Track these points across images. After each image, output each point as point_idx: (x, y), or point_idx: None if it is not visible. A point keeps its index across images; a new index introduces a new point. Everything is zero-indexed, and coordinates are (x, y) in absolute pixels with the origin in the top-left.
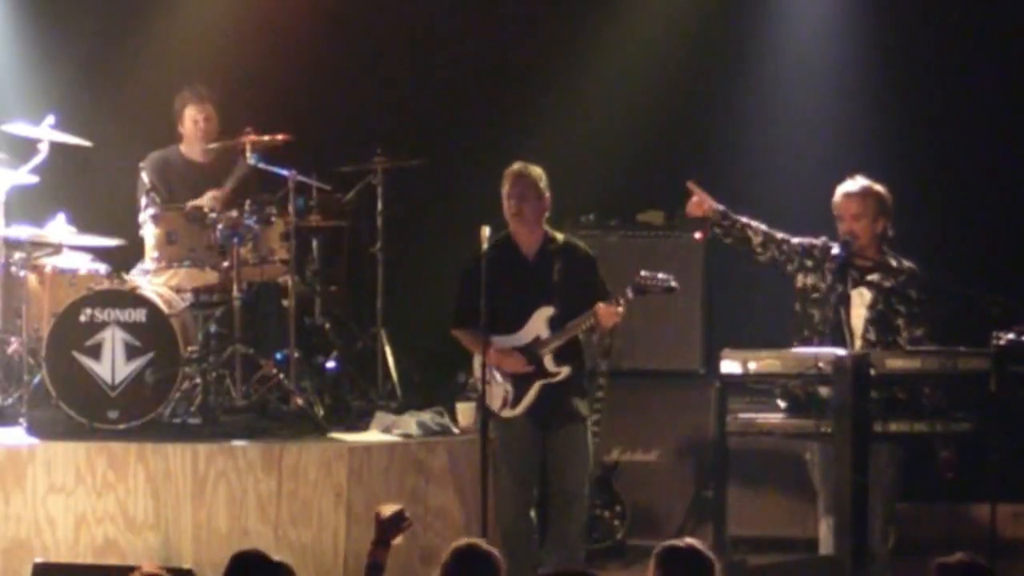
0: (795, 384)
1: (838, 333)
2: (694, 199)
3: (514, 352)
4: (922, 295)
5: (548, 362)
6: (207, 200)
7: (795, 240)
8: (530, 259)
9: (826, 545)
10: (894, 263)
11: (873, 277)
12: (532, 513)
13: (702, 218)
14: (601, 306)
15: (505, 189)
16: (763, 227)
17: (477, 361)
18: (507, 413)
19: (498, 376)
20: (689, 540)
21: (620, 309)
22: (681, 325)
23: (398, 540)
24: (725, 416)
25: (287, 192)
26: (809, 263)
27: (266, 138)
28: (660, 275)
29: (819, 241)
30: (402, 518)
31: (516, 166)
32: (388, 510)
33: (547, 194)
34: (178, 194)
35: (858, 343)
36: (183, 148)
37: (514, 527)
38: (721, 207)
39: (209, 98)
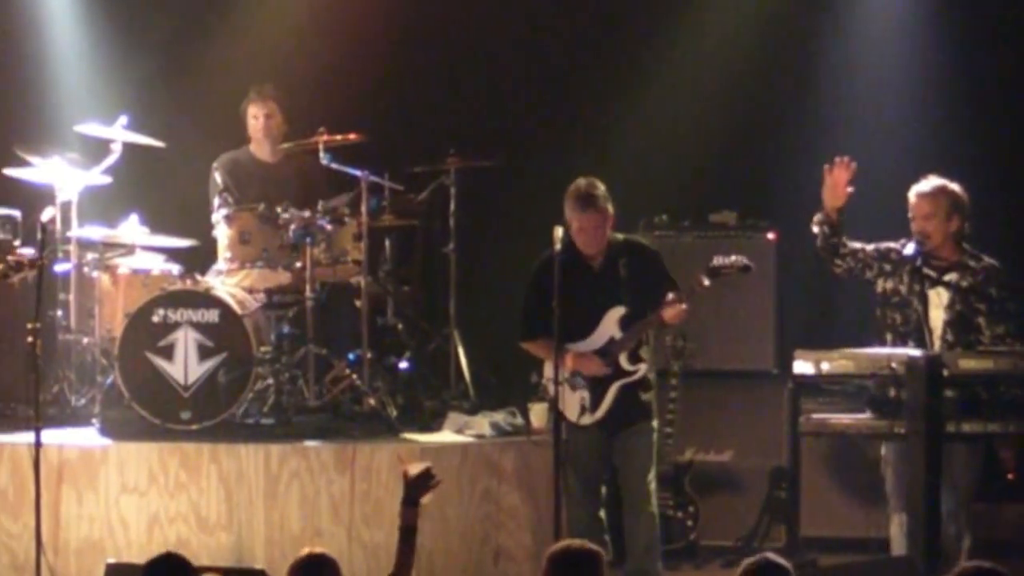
0: (877, 387)
1: (919, 335)
2: (838, 177)
3: (590, 354)
4: (1003, 292)
5: (624, 361)
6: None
7: (870, 247)
8: (595, 263)
9: (898, 545)
10: (972, 262)
11: (950, 277)
12: (602, 513)
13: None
14: (664, 306)
15: (574, 217)
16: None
17: (549, 367)
18: (586, 419)
19: (573, 383)
20: (769, 555)
21: (684, 306)
22: (754, 325)
23: (426, 499)
24: (798, 416)
25: (360, 192)
26: (887, 267)
27: (339, 138)
28: (733, 257)
29: (897, 244)
30: (429, 476)
31: (583, 190)
32: (415, 469)
33: (612, 210)
34: (248, 195)
35: (937, 344)
36: (253, 149)
37: (584, 528)
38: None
39: (272, 96)
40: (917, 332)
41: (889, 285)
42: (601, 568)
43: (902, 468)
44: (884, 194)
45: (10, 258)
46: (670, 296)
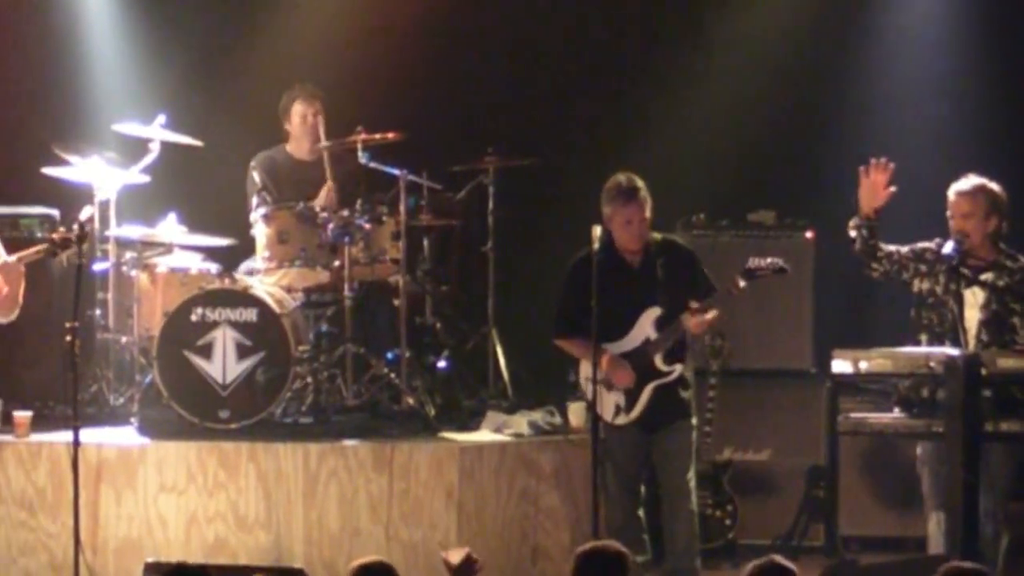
0: (907, 387)
1: (955, 335)
2: (876, 179)
3: (624, 364)
4: None
5: (659, 362)
6: (322, 198)
7: (905, 248)
8: (633, 263)
9: (935, 544)
10: (1009, 262)
11: (987, 276)
12: (640, 512)
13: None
14: (687, 315)
15: (618, 211)
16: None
17: (584, 365)
18: (621, 420)
19: (608, 383)
20: (776, 557)
21: (708, 316)
22: (792, 324)
23: None
24: (836, 415)
25: (398, 191)
26: (923, 267)
27: (377, 137)
28: (770, 259)
29: (932, 244)
30: (471, 561)
31: (625, 183)
32: (456, 556)
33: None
34: (285, 194)
35: (972, 344)
36: (289, 147)
37: (622, 527)
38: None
39: (317, 95)
40: (952, 332)
41: (925, 285)
42: (627, 570)
43: (939, 467)
44: (922, 193)
45: (55, 235)
46: (694, 305)
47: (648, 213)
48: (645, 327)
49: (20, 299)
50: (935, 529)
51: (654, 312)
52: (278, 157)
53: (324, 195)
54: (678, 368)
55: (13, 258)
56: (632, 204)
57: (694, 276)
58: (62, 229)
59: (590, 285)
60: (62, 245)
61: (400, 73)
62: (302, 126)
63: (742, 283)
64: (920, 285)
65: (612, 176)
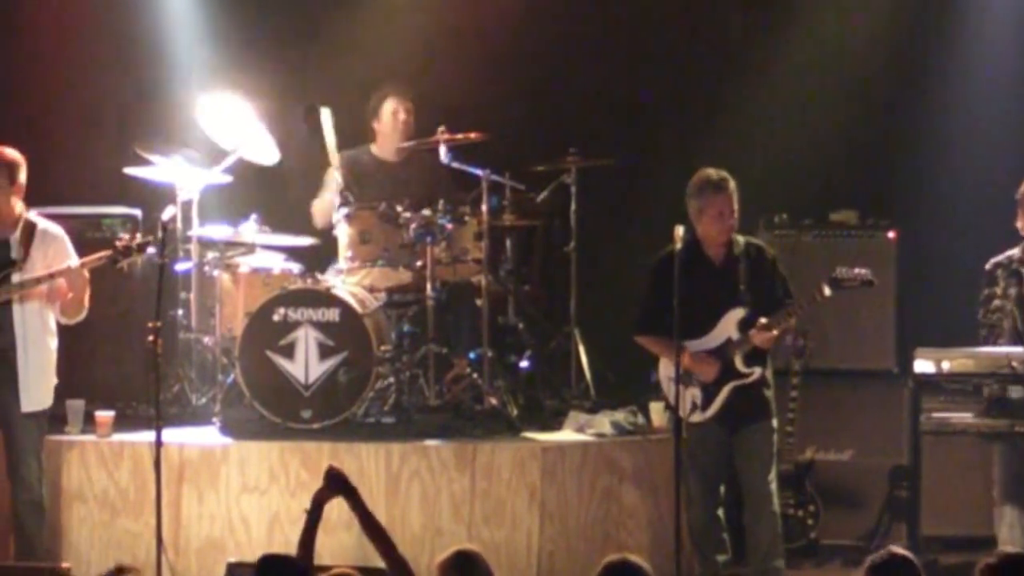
0: (992, 387)
1: (1017, 336)
2: None
3: (706, 357)
4: None
5: (739, 363)
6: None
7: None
8: (717, 262)
9: (1006, 543)
10: None
11: None
12: (720, 512)
13: None
14: (755, 331)
15: (711, 203)
16: None
17: (663, 364)
18: (696, 417)
19: (686, 380)
20: (897, 550)
21: (774, 333)
22: (874, 324)
23: None
24: (919, 415)
25: (481, 191)
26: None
27: (460, 137)
28: (857, 269)
29: (1003, 257)
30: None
31: (715, 176)
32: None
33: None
34: (369, 194)
35: None
36: (374, 148)
37: (703, 527)
38: None
39: (409, 94)
40: (1015, 333)
41: (996, 290)
42: None
43: (1016, 466)
44: (1001, 193)
45: (118, 243)
46: (762, 321)
47: (737, 206)
48: (728, 327)
49: (86, 303)
50: (1007, 530)
51: (738, 313)
52: (362, 157)
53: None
54: (757, 371)
55: (77, 263)
56: (723, 195)
57: (775, 279)
58: (125, 236)
59: (671, 283)
60: (124, 252)
61: (482, 73)
62: (393, 124)
63: (827, 291)
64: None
65: (697, 171)
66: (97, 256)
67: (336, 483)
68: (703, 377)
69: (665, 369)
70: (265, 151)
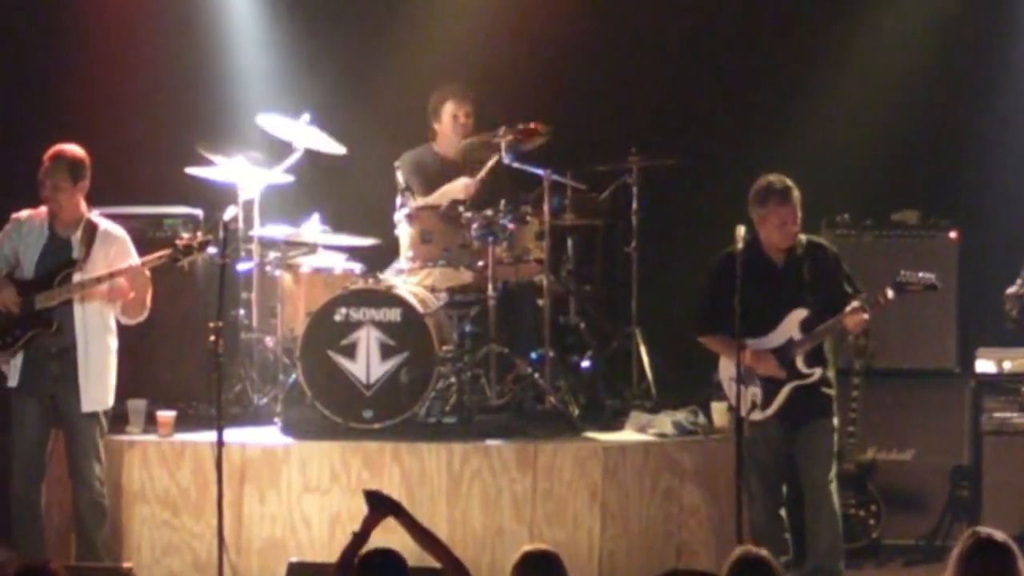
0: None
1: None
2: None
3: (768, 355)
4: None
5: (800, 363)
6: (460, 187)
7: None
8: (779, 262)
9: None
10: None
11: None
12: (783, 512)
13: None
14: (848, 313)
15: (775, 211)
16: None
17: (724, 363)
18: (756, 416)
19: (747, 379)
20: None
21: (866, 316)
22: (936, 324)
23: None
24: (980, 415)
25: (542, 191)
26: None
27: (520, 128)
28: (921, 274)
29: None
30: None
31: (780, 184)
32: None
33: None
34: (430, 193)
35: None
36: (436, 147)
37: (765, 526)
38: None
39: (468, 96)
40: None
41: None
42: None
43: None
44: None
45: (178, 242)
46: (854, 304)
47: (800, 213)
48: (790, 327)
49: (148, 303)
50: None
51: (801, 313)
52: (424, 156)
53: (462, 189)
54: (818, 371)
55: (138, 262)
56: (788, 205)
57: (838, 278)
58: (186, 235)
59: (732, 283)
60: (184, 251)
61: (545, 73)
62: (452, 125)
63: (891, 294)
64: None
65: (760, 177)
66: (158, 255)
67: (380, 504)
68: (763, 372)
69: (726, 369)
70: (331, 144)
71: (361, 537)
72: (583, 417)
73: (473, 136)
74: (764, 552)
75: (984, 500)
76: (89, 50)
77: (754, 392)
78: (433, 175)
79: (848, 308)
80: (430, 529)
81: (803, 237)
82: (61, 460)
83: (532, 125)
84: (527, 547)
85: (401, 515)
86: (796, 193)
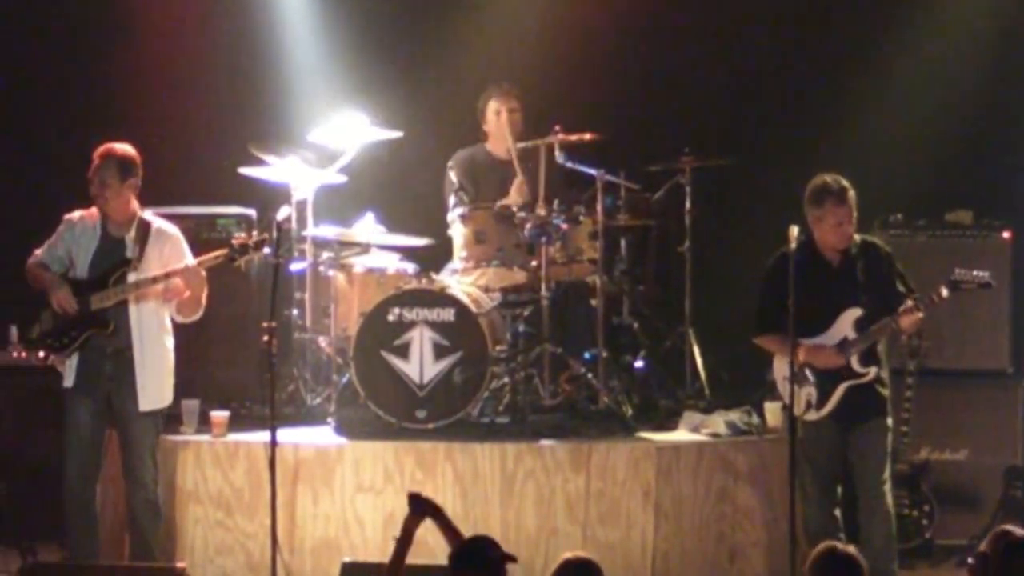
0: None
1: None
2: None
3: (824, 346)
4: None
5: (855, 363)
6: (514, 194)
7: None
8: (833, 262)
9: None
10: None
11: None
12: (837, 512)
13: None
14: (902, 313)
15: (831, 212)
16: None
17: (778, 363)
18: (811, 416)
19: (801, 378)
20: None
21: (920, 315)
22: (989, 324)
23: None
24: None
25: (595, 191)
26: None
27: (574, 137)
28: (976, 272)
29: None
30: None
31: (837, 184)
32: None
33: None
34: (485, 193)
35: None
36: (489, 147)
37: (819, 526)
38: None
39: (512, 93)
40: None
41: None
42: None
43: None
44: None
45: (234, 241)
46: (908, 303)
47: (855, 213)
48: (844, 326)
49: (203, 301)
50: None
51: (855, 313)
52: (477, 156)
53: (515, 191)
54: (873, 370)
55: (194, 262)
56: (844, 206)
57: (892, 277)
58: (242, 235)
59: (788, 283)
60: (240, 251)
61: (597, 72)
62: (496, 124)
63: (945, 293)
64: None
65: (815, 177)
66: (214, 255)
67: (421, 507)
68: (820, 363)
69: (780, 369)
70: (384, 135)
71: (404, 541)
72: (636, 417)
73: (526, 138)
74: (852, 548)
75: None
76: (143, 50)
77: (809, 392)
78: (484, 175)
79: (902, 307)
80: (461, 531)
81: (857, 237)
82: (116, 460)
83: (588, 136)
84: (567, 554)
85: (439, 517)
86: (852, 193)
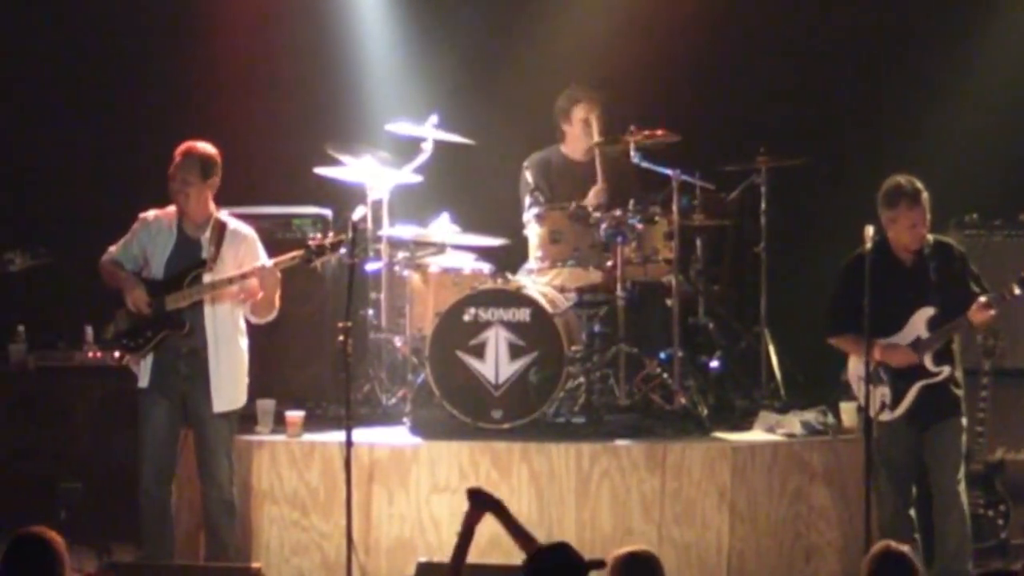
0: None
1: None
2: None
3: (899, 344)
4: None
5: (928, 362)
6: (591, 198)
7: None
8: (906, 261)
9: None
10: None
11: None
12: (912, 512)
13: None
14: (974, 310)
15: (904, 214)
16: None
17: (853, 363)
18: (885, 416)
19: (876, 378)
20: None
21: (992, 312)
22: None
23: None
24: None
25: (671, 191)
26: None
27: (650, 137)
28: None
29: None
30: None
31: (911, 186)
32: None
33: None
34: (559, 194)
35: None
36: (564, 148)
37: (894, 527)
38: None
39: (598, 97)
40: None
41: None
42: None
43: None
44: None
45: (311, 242)
46: (981, 300)
47: (928, 215)
48: (918, 326)
49: (277, 302)
50: None
51: (928, 312)
52: (552, 157)
53: (593, 195)
54: (946, 369)
55: (270, 263)
56: (917, 207)
57: (965, 276)
58: (318, 236)
59: (862, 283)
60: (317, 252)
61: (672, 72)
62: (583, 128)
63: (1017, 291)
64: None
65: (889, 178)
66: (291, 255)
67: (482, 502)
68: (895, 362)
69: (855, 369)
70: (459, 138)
71: (465, 537)
72: (712, 417)
73: (601, 138)
74: (906, 548)
75: None
76: (219, 51)
77: (883, 392)
78: (559, 177)
79: (975, 304)
80: (533, 536)
81: (931, 237)
82: (191, 460)
83: (660, 132)
84: (627, 548)
85: (500, 512)
86: (925, 195)
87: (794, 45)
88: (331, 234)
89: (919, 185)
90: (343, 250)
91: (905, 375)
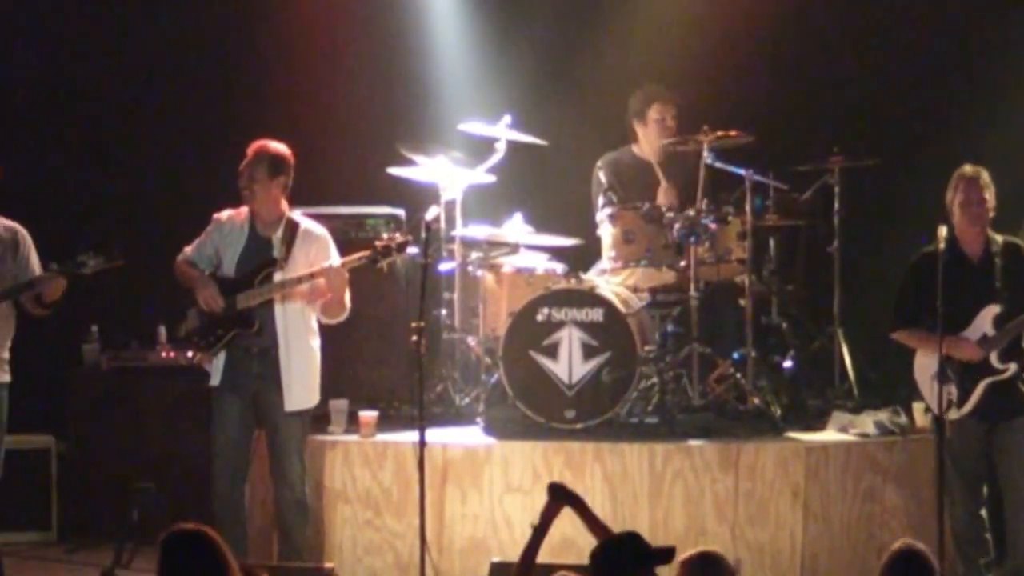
0: None
1: None
2: None
3: (964, 339)
4: None
5: (994, 359)
6: (661, 197)
7: None
8: (974, 260)
9: None
10: None
11: None
12: (983, 512)
13: None
14: None
15: (961, 194)
16: None
17: (917, 362)
18: (952, 414)
19: (942, 376)
20: None
21: None
22: None
23: None
24: None
25: (744, 191)
26: None
27: (723, 137)
28: None
29: None
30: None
31: (968, 170)
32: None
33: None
34: (632, 194)
35: None
36: (636, 149)
37: (965, 527)
38: None
39: (674, 99)
40: None
41: None
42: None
43: None
44: None
45: (377, 243)
46: None
47: (990, 199)
48: (984, 323)
49: (348, 303)
50: None
51: (994, 309)
52: (624, 158)
53: (662, 195)
54: (1013, 367)
55: (338, 263)
56: (973, 185)
57: None
58: (385, 236)
59: (930, 281)
60: (383, 252)
61: (745, 72)
62: (658, 129)
63: None
64: None
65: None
66: (357, 256)
67: (560, 496)
68: (962, 356)
69: (920, 369)
70: (532, 139)
71: (541, 530)
72: (785, 417)
73: (675, 136)
74: (922, 546)
75: None
76: (293, 52)
77: (949, 390)
78: (632, 177)
79: None
80: (611, 531)
81: (999, 237)
82: (264, 459)
83: (734, 133)
84: (696, 549)
85: (581, 508)
86: (986, 176)
87: (868, 45)
88: (398, 235)
89: (981, 169)
90: (411, 250)
91: (971, 373)
